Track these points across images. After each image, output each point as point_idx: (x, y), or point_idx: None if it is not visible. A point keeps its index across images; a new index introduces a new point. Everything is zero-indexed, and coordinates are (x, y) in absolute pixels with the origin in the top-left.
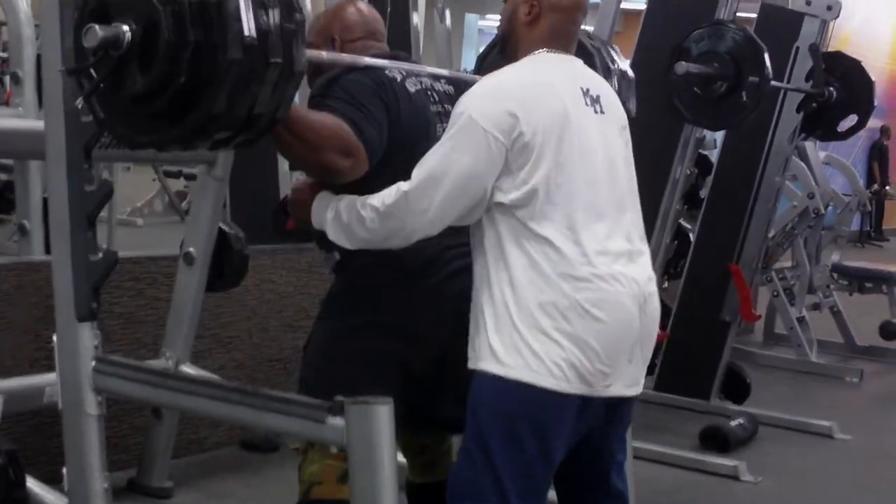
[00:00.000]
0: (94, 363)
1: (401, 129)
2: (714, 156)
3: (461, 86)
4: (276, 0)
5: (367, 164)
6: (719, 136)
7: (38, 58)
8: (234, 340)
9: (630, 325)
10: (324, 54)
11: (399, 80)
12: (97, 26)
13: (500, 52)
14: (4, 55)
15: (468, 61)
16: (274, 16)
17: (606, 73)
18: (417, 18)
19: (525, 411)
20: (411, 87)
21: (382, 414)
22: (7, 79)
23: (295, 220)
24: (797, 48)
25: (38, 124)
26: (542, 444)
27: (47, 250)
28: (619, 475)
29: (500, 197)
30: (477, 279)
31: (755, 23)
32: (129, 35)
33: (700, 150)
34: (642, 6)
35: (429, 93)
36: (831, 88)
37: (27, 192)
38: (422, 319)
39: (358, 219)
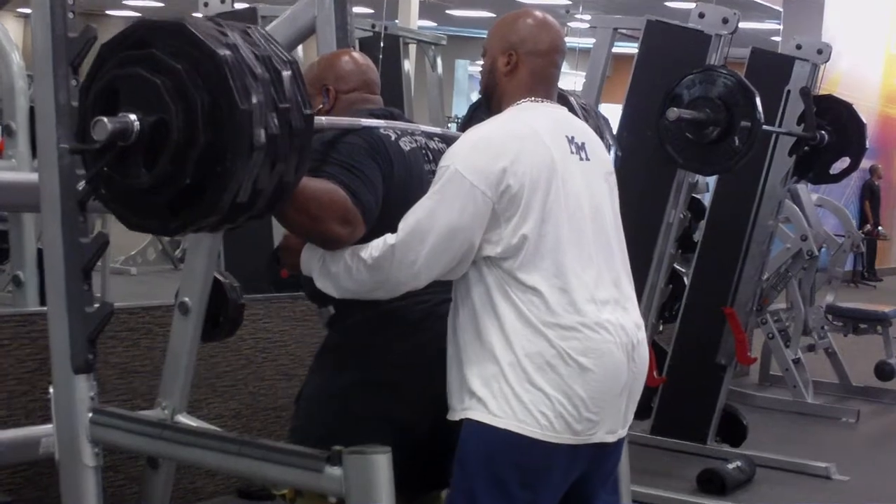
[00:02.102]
0: (90, 414)
1: (395, 188)
2: (707, 199)
3: (453, 144)
4: (288, 99)
5: (365, 230)
6: (712, 179)
7: (31, 109)
8: (230, 390)
9: (618, 373)
10: (323, 120)
11: (393, 138)
12: (106, 119)
13: (485, 106)
14: None
15: (459, 107)
16: (285, 118)
17: (585, 112)
18: (409, 66)
19: (512, 460)
20: (405, 145)
21: (380, 463)
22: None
23: (285, 267)
24: (788, 92)
25: (33, 177)
26: (529, 493)
27: (42, 301)
28: None
29: (489, 250)
30: (462, 328)
31: (746, 67)
32: (137, 126)
33: (693, 194)
34: (633, 50)
35: (423, 151)
36: (823, 131)
37: (21, 243)
38: (415, 375)
39: (346, 269)
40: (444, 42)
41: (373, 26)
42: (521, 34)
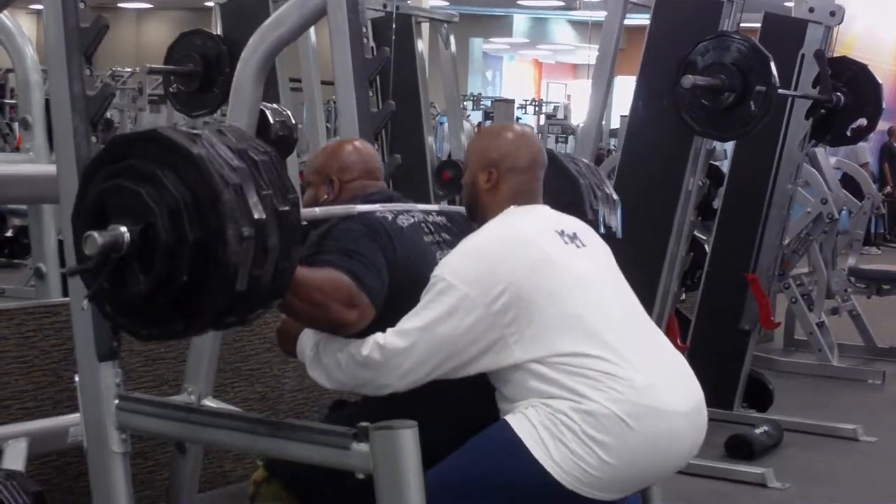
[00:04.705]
0: (116, 401)
1: (401, 267)
2: (725, 166)
3: (453, 216)
4: (270, 184)
5: (374, 312)
6: (729, 146)
7: (47, 102)
8: (255, 373)
9: (678, 443)
10: (317, 210)
11: (390, 218)
12: (96, 233)
13: (469, 219)
14: (13, 101)
15: (474, 86)
16: (269, 202)
17: (593, 195)
18: (422, 45)
19: (517, 482)
20: (403, 222)
21: (407, 438)
22: (17, 125)
23: (282, 350)
24: (802, 55)
25: (51, 168)
26: None
27: (65, 292)
28: None
29: (509, 358)
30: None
31: (759, 32)
32: (127, 236)
33: (711, 162)
34: (646, 21)
35: (422, 225)
36: (839, 94)
37: (42, 235)
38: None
39: (335, 363)
40: (456, 20)
41: (384, 6)
42: (502, 151)
